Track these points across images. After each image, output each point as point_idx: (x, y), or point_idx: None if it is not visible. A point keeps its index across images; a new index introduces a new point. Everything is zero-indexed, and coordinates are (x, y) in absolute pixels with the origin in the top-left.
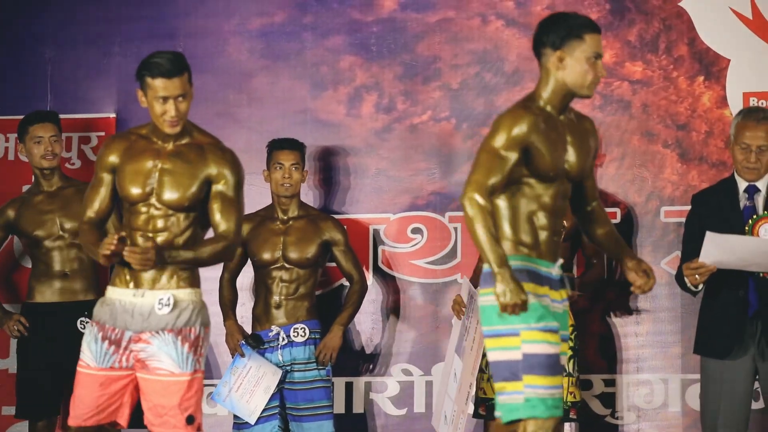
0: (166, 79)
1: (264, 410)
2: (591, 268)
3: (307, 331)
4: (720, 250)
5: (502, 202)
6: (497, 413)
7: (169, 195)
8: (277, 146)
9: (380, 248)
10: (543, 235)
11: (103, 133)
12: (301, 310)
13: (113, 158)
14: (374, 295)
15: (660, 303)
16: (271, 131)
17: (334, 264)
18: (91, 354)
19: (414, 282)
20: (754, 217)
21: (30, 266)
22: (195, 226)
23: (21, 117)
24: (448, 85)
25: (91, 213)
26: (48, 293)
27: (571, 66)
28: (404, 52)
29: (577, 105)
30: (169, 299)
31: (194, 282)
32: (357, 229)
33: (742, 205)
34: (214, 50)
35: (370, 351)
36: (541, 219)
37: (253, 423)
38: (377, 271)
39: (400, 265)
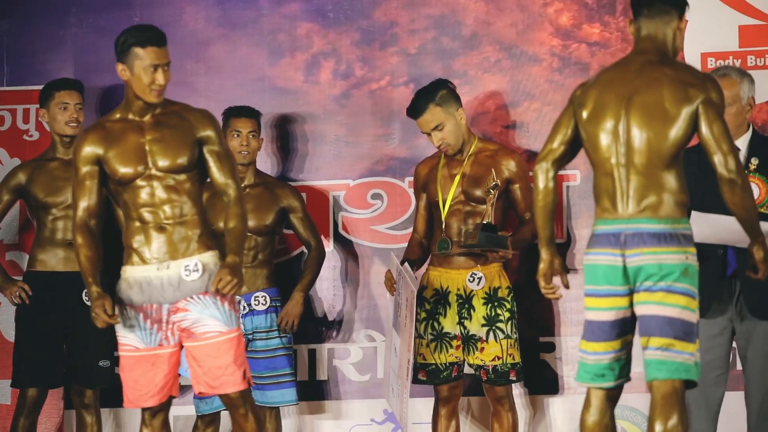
0: (157, 48)
1: None
2: (523, 224)
3: (268, 299)
4: (703, 227)
5: (680, 168)
6: (655, 371)
7: (167, 161)
8: (234, 114)
9: (340, 214)
10: None
11: None
12: (261, 278)
13: (93, 149)
14: (335, 261)
15: None
16: (229, 100)
17: (291, 231)
18: (136, 337)
19: (375, 248)
20: None
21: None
22: (196, 186)
23: None
24: (405, 50)
25: (81, 212)
26: (52, 261)
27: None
28: (361, 17)
29: (534, 68)
30: (196, 265)
31: (212, 244)
32: (316, 196)
33: None
34: (171, 19)
35: (333, 318)
36: None
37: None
38: (337, 237)
39: (360, 231)
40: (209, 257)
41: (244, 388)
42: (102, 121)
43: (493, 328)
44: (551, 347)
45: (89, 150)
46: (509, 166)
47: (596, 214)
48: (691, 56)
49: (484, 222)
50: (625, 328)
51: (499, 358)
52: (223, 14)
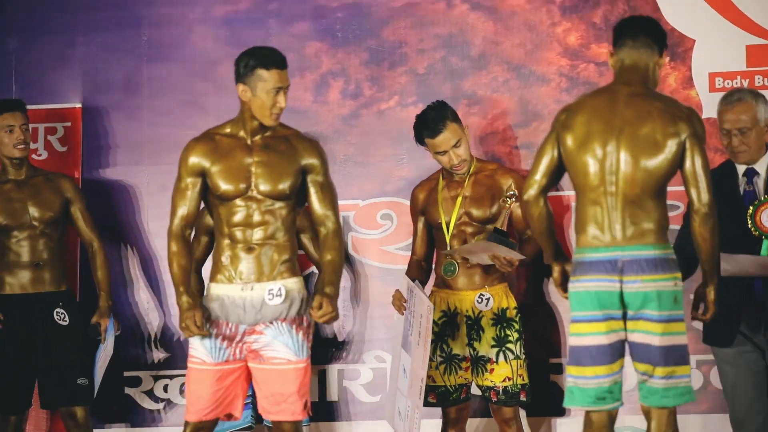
0: (281, 70)
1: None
2: (524, 243)
3: None
4: (728, 265)
5: (664, 197)
6: (663, 398)
7: (269, 186)
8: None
9: (350, 235)
10: None
11: (69, 124)
12: None
13: (199, 161)
14: (345, 282)
15: None
16: None
17: (302, 252)
18: (205, 350)
19: (384, 268)
20: (756, 203)
21: None
22: (293, 214)
23: None
24: (414, 69)
25: (178, 220)
26: (18, 284)
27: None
28: (370, 37)
29: (542, 88)
30: (280, 290)
31: (297, 271)
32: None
33: (741, 189)
34: (179, 39)
35: (343, 338)
36: None
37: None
38: (347, 258)
39: (370, 251)
40: (294, 283)
41: (303, 418)
42: (211, 132)
43: (503, 348)
44: (560, 368)
45: (195, 160)
46: (508, 186)
47: (581, 242)
48: (699, 76)
49: (496, 227)
50: (620, 351)
51: (509, 379)
52: (232, 34)
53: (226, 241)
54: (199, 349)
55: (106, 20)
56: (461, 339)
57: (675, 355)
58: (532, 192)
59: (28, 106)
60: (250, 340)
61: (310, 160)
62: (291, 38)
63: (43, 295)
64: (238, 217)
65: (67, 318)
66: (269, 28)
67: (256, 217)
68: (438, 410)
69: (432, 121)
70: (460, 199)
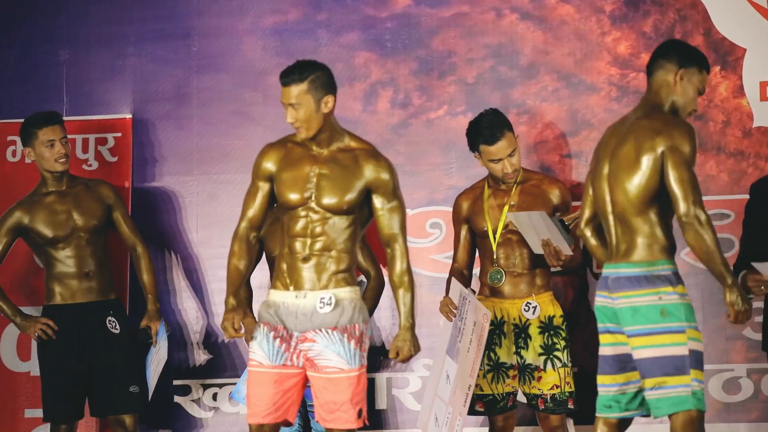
0: (284, 87)
1: None
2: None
3: None
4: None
5: (660, 211)
6: (655, 409)
7: (328, 199)
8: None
9: None
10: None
11: (119, 134)
12: None
13: (270, 166)
14: None
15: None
16: (287, 129)
17: None
18: (263, 353)
19: (433, 277)
20: None
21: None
22: (354, 227)
23: None
24: (463, 79)
25: (245, 222)
26: (69, 294)
27: (684, 88)
28: (419, 47)
29: (592, 97)
30: (330, 298)
31: (352, 281)
32: (375, 225)
33: None
34: (228, 49)
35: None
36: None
37: None
38: None
39: (419, 260)
40: (346, 293)
41: (357, 426)
42: (286, 138)
43: (551, 356)
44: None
45: (267, 166)
46: (555, 195)
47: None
48: (750, 85)
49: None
50: (625, 365)
51: (557, 387)
52: (281, 44)
53: (286, 250)
54: (258, 352)
55: (156, 31)
56: (509, 347)
57: (665, 366)
58: (587, 230)
59: (79, 117)
60: (304, 347)
61: (376, 178)
62: (340, 48)
63: (94, 304)
64: (298, 227)
65: (118, 326)
66: (318, 38)
67: (316, 229)
68: (478, 418)
69: (489, 128)
70: (506, 207)
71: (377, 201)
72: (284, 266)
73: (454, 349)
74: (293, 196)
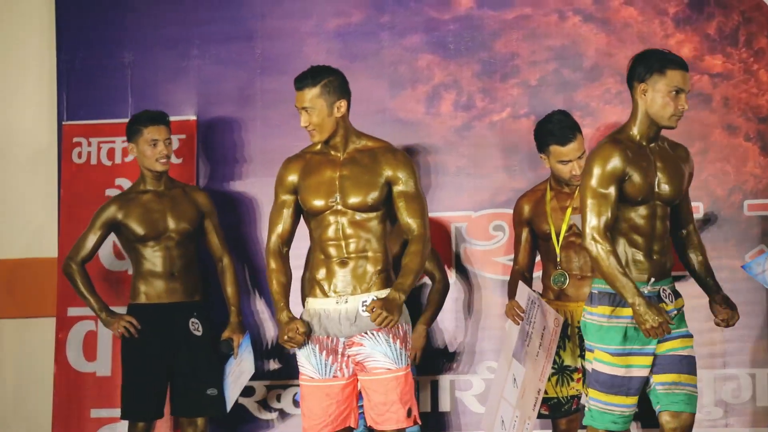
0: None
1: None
2: None
3: None
4: None
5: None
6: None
7: (354, 198)
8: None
9: (462, 246)
10: (638, 255)
11: (184, 136)
12: None
13: (292, 178)
14: (457, 293)
15: (745, 297)
16: None
17: None
18: (312, 367)
19: (497, 279)
20: None
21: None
22: (383, 226)
23: (102, 122)
24: (526, 81)
25: (275, 237)
26: (154, 294)
27: (652, 98)
28: (482, 49)
29: None
30: (373, 301)
31: (391, 282)
32: (438, 228)
33: None
34: (291, 51)
35: (454, 349)
36: (635, 240)
37: None
38: (459, 269)
39: (482, 262)
40: (386, 294)
41: (408, 426)
42: (304, 151)
43: None
44: None
45: (290, 178)
46: None
47: None
48: None
49: None
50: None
51: None
52: (344, 46)
53: (321, 257)
54: (307, 366)
55: (220, 34)
56: (573, 350)
57: (587, 380)
58: None
59: None
60: (352, 352)
61: (394, 172)
62: (403, 50)
63: (178, 305)
64: (329, 232)
65: (200, 328)
66: (382, 40)
67: (347, 231)
68: (540, 420)
69: (562, 129)
70: (569, 210)
71: (396, 193)
72: (320, 273)
73: (522, 353)
74: (319, 202)
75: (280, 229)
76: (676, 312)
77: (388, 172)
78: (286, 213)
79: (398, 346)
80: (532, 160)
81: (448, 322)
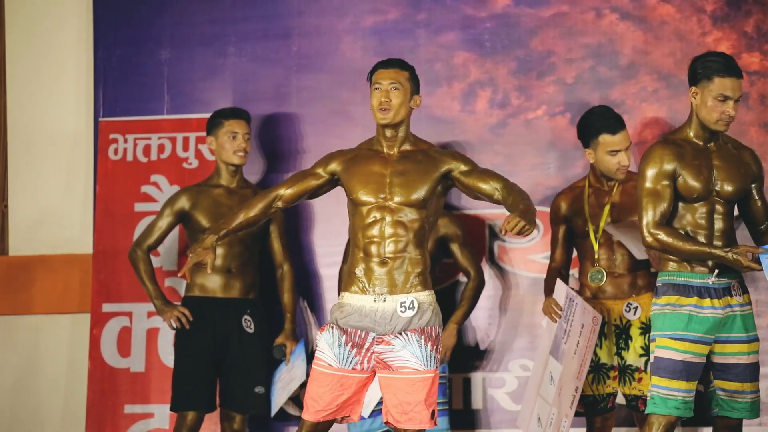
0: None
1: (378, 404)
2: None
3: None
4: None
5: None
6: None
7: (404, 193)
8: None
9: (496, 243)
10: None
11: None
12: None
13: (335, 165)
14: (491, 290)
15: None
16: None
17: (450, 259)
18: (333, 355)
19: (531, 277)
20: None
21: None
22: (424, 228)
23: (138, 119)
24: (562, 79)
25: (281, 189)
26: (211, 287)
27: (701, 102)
28: (518, 47)
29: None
30: (412, 303)
31: (428, 284)
32: (473, 225)
33: None
34: (328, 49)
35: (487, 347)
36: (696, 238)
37: (366, 416)
38: (493, 266)
39: (516, 260)
40: (425, 296)
41: (430, 427)
42: (356, 147)
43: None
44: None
45: (333, 165)
46: None
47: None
48: None
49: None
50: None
51: None
52: (380, 44)
53: (361, 254)
54: (327, 354)
55: (257, 31)
56: (609, 348)
57: (651, 368)
58: None
59: (179, 116)
60: (379, 349)
61: (450, 163)
62: (439, 48)
63: (232, 300)
64: (371, 231)
65: (253, 326)
66: (418, 38)
67: (388, 230)
68: (575, 418)
69: (612, 118)
70: (608, 207)
71: (461, 174)
72: (359, 270)
73: (559, 351)
74: (366, 196)
75: (290, 189)
76: (740, 308)
77: (444, 166)
78: (307, 182)
79: (429, 348)
80: (567, 158)
81: (481, 320)
